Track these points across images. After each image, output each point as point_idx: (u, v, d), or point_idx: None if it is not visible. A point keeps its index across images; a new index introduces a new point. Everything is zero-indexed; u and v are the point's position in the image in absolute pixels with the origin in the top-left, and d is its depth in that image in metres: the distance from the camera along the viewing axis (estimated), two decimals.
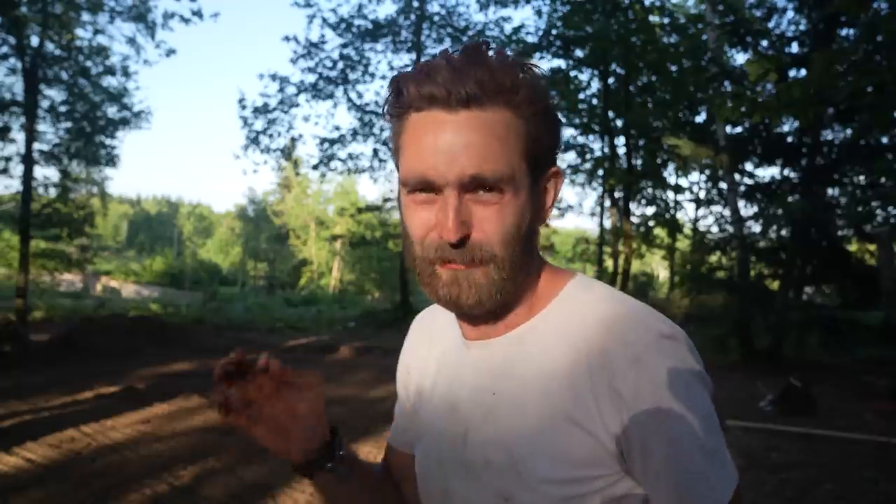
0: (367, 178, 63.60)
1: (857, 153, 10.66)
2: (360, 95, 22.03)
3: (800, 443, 5.68)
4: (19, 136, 15.96)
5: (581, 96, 18.01)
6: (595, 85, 18.14)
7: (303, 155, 41.95)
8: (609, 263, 17.88)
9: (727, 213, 12.55)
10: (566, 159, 18.80)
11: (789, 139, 11.72)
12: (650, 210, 19.53)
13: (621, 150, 17.95)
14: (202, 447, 5.02)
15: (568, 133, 17.93)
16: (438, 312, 0.93)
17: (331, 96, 18.46)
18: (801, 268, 11.25)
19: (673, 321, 0.76)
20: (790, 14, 11.88)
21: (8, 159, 14.33)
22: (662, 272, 36.50)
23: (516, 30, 17.39)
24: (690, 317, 12.27)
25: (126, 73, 16.05)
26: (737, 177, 12.09)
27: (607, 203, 18.30)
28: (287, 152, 19.60)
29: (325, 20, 17.70)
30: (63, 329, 11.03)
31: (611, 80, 17.51)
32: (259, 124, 18.61)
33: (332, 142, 18.89)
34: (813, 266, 11.32)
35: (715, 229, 14.21)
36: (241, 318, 17.43)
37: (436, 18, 17.97)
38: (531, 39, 16.93)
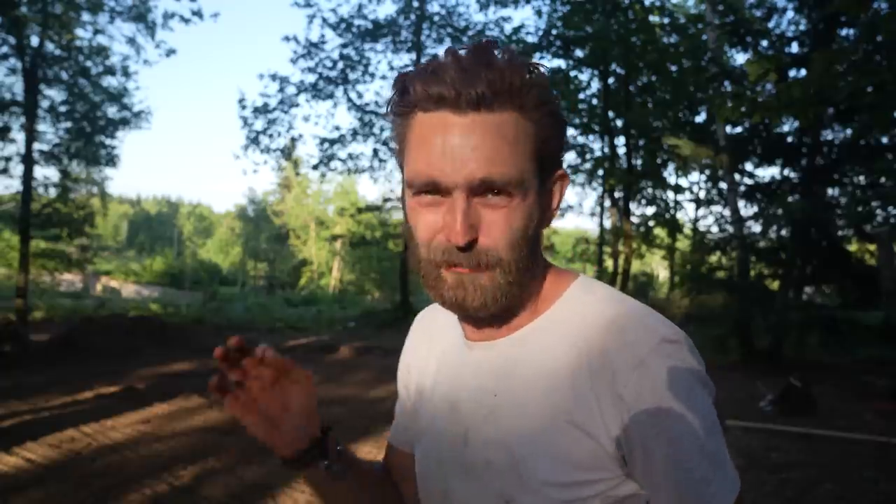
0: (367, 178, 63.71)
1: (857, 153, 10.66)
2: (360, 95, 22.05)
3: (800, 443, 5.68)
4: (19, 136, 16.00)
5: (581, 96, 18.02)
6: (595, 85, 18.16)
7: (303, 155, 42.09)
8: (609, 263, 17.88)
9: (727, 213, 12.56)
10: (566, 159, 18.78)
11: (789, 139, 11.73)
12: (650, 210, 19.55)
13: (621, 150, 17.96)
14: (202, 447, 5.02)
15: (568, 133, 17.91)
16: (439, 312, 0.92)
17: (331, 96, 18.46)
18: (801, 268, 11.25)
19: (673, 321, 0.75)
20: (790, 14, 11.90)
21: (8, 159, 14.33)
22: (662, 272, 36.50)
23: (516, 30, 17.39)
24: (690, 317, 12.27)
25: (126, 73, 16.06)
26: (737, 177, 12.09)
27: (607, 203, 18.30)
28: (287, 152, 19.60)
29: (325, 20, 17.71)
30: (63, 329, 11.03)
31: (611, 80, 17.51)
32: (259, 124, 18.62)
33: (332, 142, 18.89)
34: (813, 266, 11.32)
35: (715, 229, 14.23)
36: (241, 318, 17.42)
37: (436, 18, 17.97)
38: (531, 39, 16.93)
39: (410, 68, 0.75)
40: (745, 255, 11.43)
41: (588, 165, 18.87)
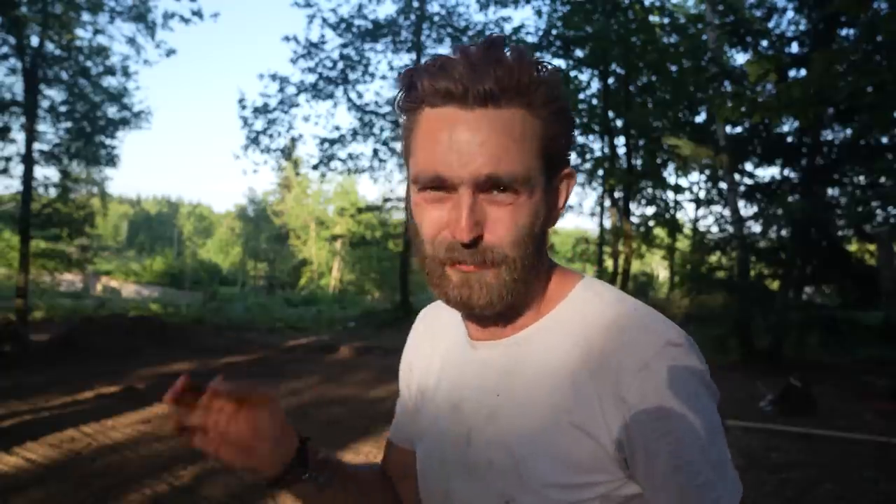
0: (367, 178, 63.69)
1: (857, 153, 10.66)
2: (360, 95, 22.02)
3: (800, 443, 5.68)
4: (19, 136, 15.98)
5: (581, 96, 18.01)
6: (595, 85, 18.16)
7: (303, 155, 41.97)
8: (609, 263, 17.88)
9: (727, 213, 12.56)
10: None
11: (789, 139, 11.73)
12: (650, 210, 19.55)
13: (621, 150, 17.96)
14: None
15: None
16: (442, 310, 0.91)
17: (331, 96, 18.46)
18: (801, 268, 11.25)
19: (673, 321, 0.75)
20: (790, 14, 11.91)
21: (8, 159, 14.32)
22: (662, 272, 36.49)
23: (516, 30, 17.38)
24: (690, 317, 12.27)
25: (126, 73, 16.06)
26: (737, 177, 12.09)
27: (607, 203, 18.31)
28: (287, 152, 19.60)
29: (325, 20, 17.71)
30: (63, 329, 11.03)
31: (611, 80, 17.51)
32: (259, 124, 18.62)
33: (332, 142, 18.89)
34: (813, 266, 11.32)
35: (715, 229, 14.23)
36: (241, 318, 17.42)
37: (436, 18, 17.97)
38: (531, 39, 16.93)
39: (418, 64, 0.74)
40: (745, 255, 11.44)
41: (588, 165, 18.86)
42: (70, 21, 14.31)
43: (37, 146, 14.50)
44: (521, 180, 0.70)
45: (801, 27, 11.64)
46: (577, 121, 17.60)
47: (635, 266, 25.06)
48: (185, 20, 15.42)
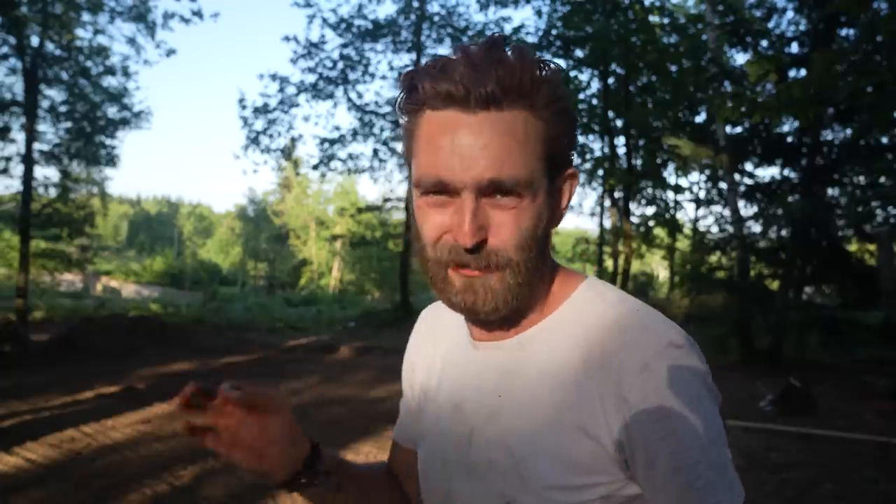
0: (367, 178, 63.69)
1: (857, 153, 10.66)
2: (360, 95, 22.04)
3: (800, 443, 5.68)
4: (19, 136, 15.95)
5: (581, 96, 18.01)
6: (595, 85, 18.16)
7: (303, 155, 41.99)
8: (609, 263, 17.87)
9: (727, 213, 12.56)
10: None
11: (789, 139, 11.73)
12: (650, 210, 19.54)
13: (621, 150, 17.96)
14: (202, 447, 5.01)
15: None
16: (444, 310, 0.91)
17: (331, 96, 18.46)
18: (801, 268, 11.25)
19: (674, 321, 0.75)
20: (790, 14, 11.91)
21: (8, 159, 14.33)
22: (662, 272, 36.49)
23: (516, 30, 17.38)
24: (690, 317, 12.27)
25: (126, 73, 16.07)
26: (737, 177, 12.09)
27: (607, 203, 18.30)
28: (287, 152, 19.61)
29: (325, 20, 17.71)
30: (63, 329, 11.03)
31: (611, 80, 17.51)
32: (259, 124, 18.63)
33: (332, 142, 18.90)
34: (813, 266, 11.32)
35: (715, 229, 14.23)
36: (241, 318, 17.42)
37: (436, 18, 17.97)
38: (531, 39, 16.93)
39: (419, 66, 0.74)
40: (745, 255, 11.44)
41: (588, 165, 18.86)
42: (70, 21, 14.31)
43: (37, 146, 14.52)
44: (525, 184, 0.69)
45: (801, 27, 11.65)
46: (579, 120, 17.62)
47: (635, 266, 25.06)
48: (185, 20, 15.44)
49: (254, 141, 18.69)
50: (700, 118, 16.69)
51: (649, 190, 19.21)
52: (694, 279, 12.71)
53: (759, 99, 9.54)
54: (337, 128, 21.25)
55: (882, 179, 10.75)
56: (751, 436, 5.84)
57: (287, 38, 17.75)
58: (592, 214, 20.70)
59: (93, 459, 4.69)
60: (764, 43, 11.87)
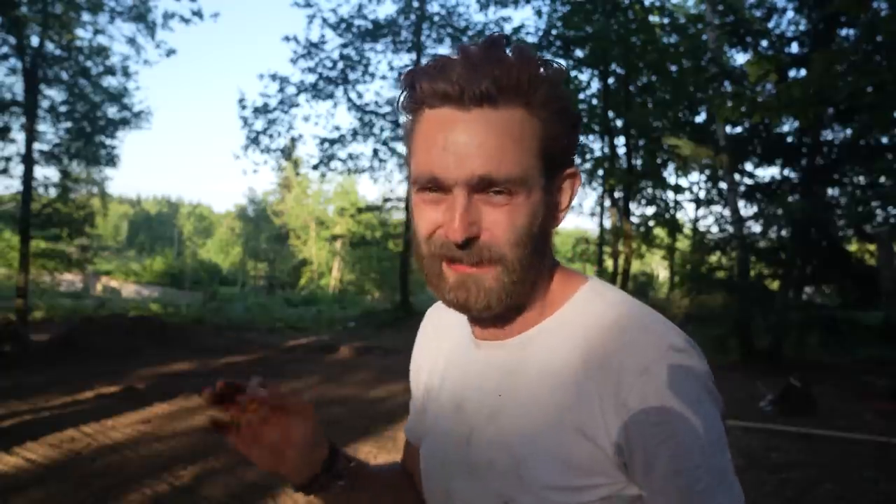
0: (367, 178, 63.71)
1: (857, 153, 10.66)
2: (360, 95, 22.04)
3: (800, 443, 5.68)
4: (19, 136, 15.95)
5: (581, 96, 18.02)
6: (595, 85, 18.17)
7: (303, 155, 41.97)
8: (609, 263, 17.88)
9: (727, 213, 12.56)
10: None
11: (789, 139, 11.73)
12: (650, 210, 19.55)
13: (621, 150, 17.97)
14: (202, 447, 5.02)
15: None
16: (447, 309, 0.92)
17: (331, 96, 18.47)
18: (801, 268, 11.25)
19: (673, 321, 0.74)
20: (790, 14, 11.91)
21: (8, 159, 14.33)
22: (662, 272, 36.50)
23: (516, 30, 17.40)
24: (690, 317, 12.26)
25: (126, 73, 16.07)
26: (737, 177, 12.09)
27: (607, 203, 18.31)
28: (287, 152, 19.62)
29: (325, 20, 17.72)
30: (63, 329, 11.02)
31: (611, 80, 17.52)
32: (259, 124, 18.65)
33: (332, 142, 18.91)
34: (813, 266, 11.32)
35: (715, 229, 14.21)
36: (241, 318, 17.42)
37: (436, 18, 17.98)
38: (531, 39, 16.92)
39: (419, 65, 0.75)
40: (745, 255, 11.43)
41: (588, 165, 18.87)
42: (70, 21, 14.32)
43: (37, 146, 14.52)
44: (518, 181, 0.70)
45: (801, 27, 11.65)
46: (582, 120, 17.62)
47: (635, 266, 25.06)
48: (185, 20, 15.44)
49: (254, 141, 18.70)
50: (700, 118, 16.70)
51: (649, 190, 19.22)
52: (694, 279, 12.70)
53: (759, 99, 9.54)
54: (337, 128, 21.30)
55: (882, 179, 10.75)
56: (751, 436, 5.84)
57: (287, 38, 17.77)
58: (592, 214, 20.70)
59: (93, 459, 4.69)
60: (764, 43, 11.88)
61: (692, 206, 21.96)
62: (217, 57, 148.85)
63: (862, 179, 11.49)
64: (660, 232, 19.28)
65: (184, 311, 18.01)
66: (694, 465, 0.67)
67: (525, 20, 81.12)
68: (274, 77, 18.12)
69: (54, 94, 15.26)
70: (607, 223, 18.62)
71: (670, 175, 19.28)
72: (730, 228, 12.14)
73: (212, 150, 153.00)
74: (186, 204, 78.78)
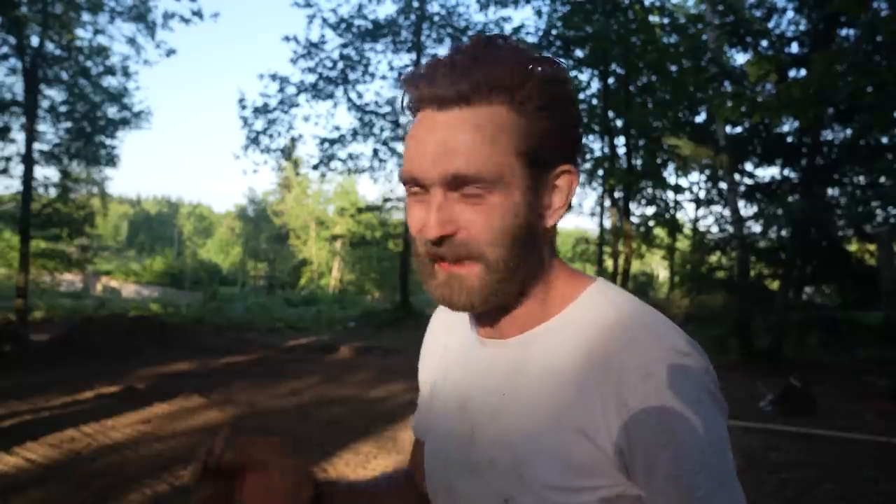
0: (367, 178, 63.66)
1: (857, 153, 10.66)
2: (360, 95, 22.02)
3: (800, 443, 5.68)
4: (19, 136, 15.97)
5: (581, 96, 18.02)
6: (595, 85, 18.17)
7: (303, 155, 41.98)
8: (609, 263, 17.88)
9: (727, 213, 12.56)
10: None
11: (789, 139, 11.73)
12: (650, 210, 19.55)
13: (621, 150, 17.97)
14: (202, 447, 5.01)
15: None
16: None
17: (331, 96, 18.47)
18: (801, 268, 11.25)
19: (673, 321, 0.74)
20: (790, 14, 11.91)
21: (8, 159, 14.33)
22: (662, 272, 36.51)
23: (516, 30, 17.40)
24: (690, 317, 12.27)
25: (126, 73, 16.06)
26: (737, 177, 12.09)
27: (607, 203, 18.31)
28: (287, 152, 19.61)
29: (325, 20, 17.72)
30: (63, 329, 11.02)
31: (611, 80, 17.52)
32: (259, 124, 18.64)
33: (332, 142, 18.90)
34: (813, 266, 11.32)
35: (715, 229, 14.21)
36: (241, 318, 17.42)
37: (436, 18, 17.98)
38: (531, 39, 16.92)
39: (415, 69, 0.77)
40: (745, 255, 11.43)
41: (588, 165, 18.88)
42: (70, 21, 14.31)
43: (37, 146, 14.51)
44: (492, 180, 0.70)
45: (801, 27, 11.65)
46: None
47: (635, 266, 25.07)
48: (185, 20, 15.43)
49: (254, 141, 18.69)
50: (700, 118, 16.70)
51: (649, 190, 19.22)
52: (694, 279, 12.70)
53: (759, 99, 9.55)
54: (337, 128, 21.24)
55: (882, 179, 10.75)
56: (751, 436, 5.84)
57: (287, 38, 17.76)
58: (592, 214, 20.72)
59: (93, 459, 4.69)
60: (764, 43, 11.88)
61: (692, 206, 22.01)
62: (217, 57, 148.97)
63: (862, 179, 11.49)
64: (660, 232, 19.29)
65: (184, 311, 18.01)
66: (695, 470, 0.67)
67: (525, 20, 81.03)
68: (274, 77, 18.13)
69: (54, 94, 15.28)
70: (607, 223, 18.62)
71: (670, 175, 19.31)
72: (730, 228, 12.14)
73: (212, 150, 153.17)
74: (186, 204, 78.79)
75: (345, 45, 17.90)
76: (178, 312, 17.45)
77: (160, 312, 16.84)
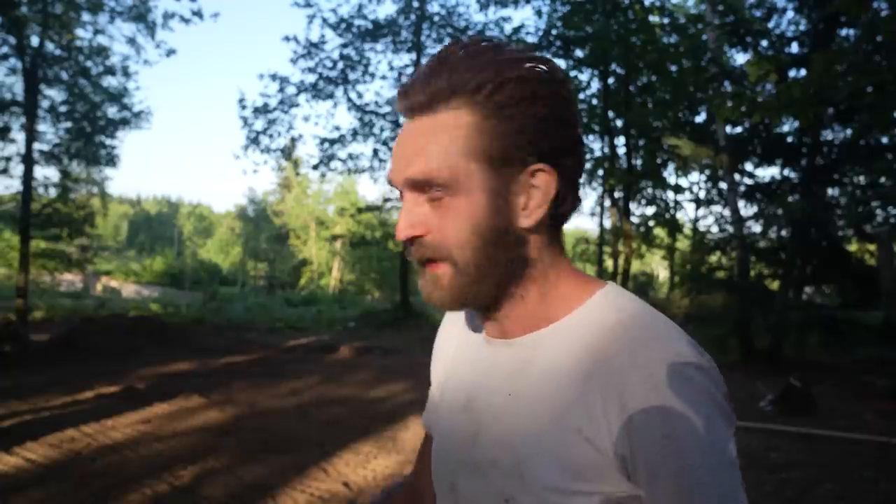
0: (367, 178, 63.58)
1: (857, 153, 10.66)
2: (360, 95, 22.02)
3: (800, 443, 5.68)
4: (19, 136, 16.00)
5: (581, 96, 18.01)
6: (595, 85, 18.16)
7: (303, 155, 42.07)
8: (609, 263, 17.88)
9: (727, 213, 12.56)
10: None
11: (789, 139, 11.73)
12: (650, 210, 19.55)
13: (621, 150, 17.97)
14: (202, 447, 5.02)
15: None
16: None
17: (331, 96, 18.46)
18: (801, 268, 11.25)
19: (673, 321, 0.74)
20: (790, 14, 11.91)
21: (8, 159, 14.33)
22: (662, 272, 36.51)
23: (516, 30, 17.39)
24: (690, 317, 12.27)
25: (126, 73, 16.05)
26: (737, 177, 12.09)
27: (607, 203, 18.30)
28: (287, 152, 19.60)
29: (325, 20, 17.71)
30: (63, 329, 11.02)
31: (611, 80, 17.52)
32: (259, 124, 18.63)
33: (332, 142, 18.90)
34: (813, 266, 11.32)
35: (715, 229, 14.21)
36: (241, 318, 17.42)
37: (436, 18, 17.97)
38: (531, 39, 16.93)
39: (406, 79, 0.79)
40: (745, 255, 11.43)
41: (588, 165, 18.87)
42: (70, 21, 14.31)
43: (37, 146, 14.51)
44: (448, 183, 0.72)
45: (801, 27, 11.65)
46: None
47: (635, 266, 25.07)
48: (185, 20, 15.43)
49: (254, 141, 18.69)
50: (700, 118, 16.70)
51: (649, 190, 19.22)
52: (694, 279, 12.70)
53: (759, 99, 9.55)
54: (337, 128, 21.26)
55: (882, 179, 10.75)
56: (751, 436, 5.84)
57: (287, 38, 17.76)
58: (592, 214, 20.70)
59: (93, 459, 4.69)
60: (764, 43, 11.88)
61: (692, 206, 22.03)
62: (217, 57, 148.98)
63: (862, 179, 11.49)
64: (660, 232, 19.29)
65: (184, 311, 18.01)
66: (697, 488, 0.65)
67: (525, 20, 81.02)
68: (274, 77, 18.12)
69: (54, 94, 15.27)
70: (607, 223, 18.62)
71: (670, 175, 19.31)
72: (730, 228, 12.14)
73: (212, 150, 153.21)
74: (186, 204, 78.81)
75: (345, 45, 17.90)
76: (178, 312, 17.45)
77: (160, 312, 16.83)
